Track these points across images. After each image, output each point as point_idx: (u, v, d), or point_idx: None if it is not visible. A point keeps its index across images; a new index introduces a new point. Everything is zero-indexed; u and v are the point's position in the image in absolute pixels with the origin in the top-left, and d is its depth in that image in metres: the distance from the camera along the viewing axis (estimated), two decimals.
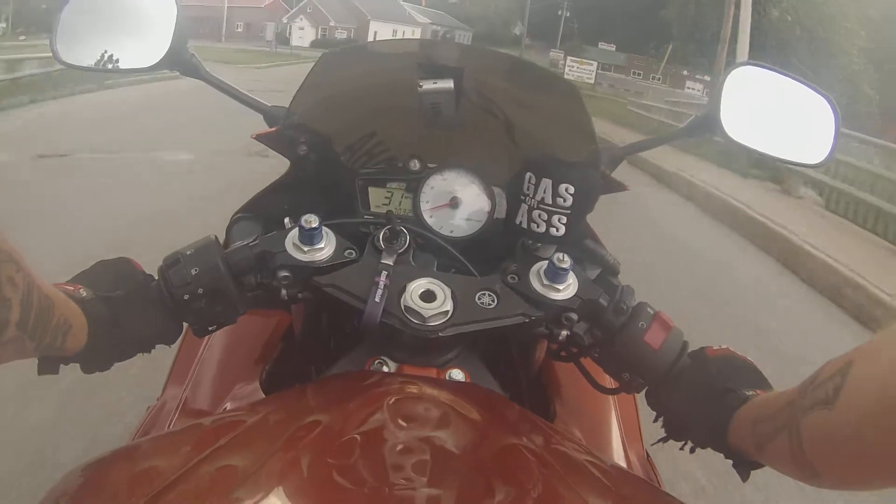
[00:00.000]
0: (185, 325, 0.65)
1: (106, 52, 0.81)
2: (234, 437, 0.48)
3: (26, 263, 0.45)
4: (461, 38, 52.88)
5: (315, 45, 47.27)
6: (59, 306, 0.50)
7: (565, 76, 23.28)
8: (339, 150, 0.83)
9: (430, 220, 0.80)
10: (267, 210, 0.82)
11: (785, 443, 0.45)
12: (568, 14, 45.61)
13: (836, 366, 0.41)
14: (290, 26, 50.01)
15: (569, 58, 31.08)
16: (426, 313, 0.60)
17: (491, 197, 0.80)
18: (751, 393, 0.57)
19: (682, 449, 0.65)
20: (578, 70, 29.43)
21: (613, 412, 0.82)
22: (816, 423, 0.41)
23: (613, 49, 37.94)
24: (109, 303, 0.58)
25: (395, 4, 54.32)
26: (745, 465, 0.58)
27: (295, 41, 47.88)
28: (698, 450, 0.63)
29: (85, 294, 0.56)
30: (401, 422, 0.50)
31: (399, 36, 47.21)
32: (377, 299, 0.60)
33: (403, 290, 0.62)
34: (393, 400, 0.53)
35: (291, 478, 0.42)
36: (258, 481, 0.41)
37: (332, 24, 51.22)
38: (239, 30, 50.34)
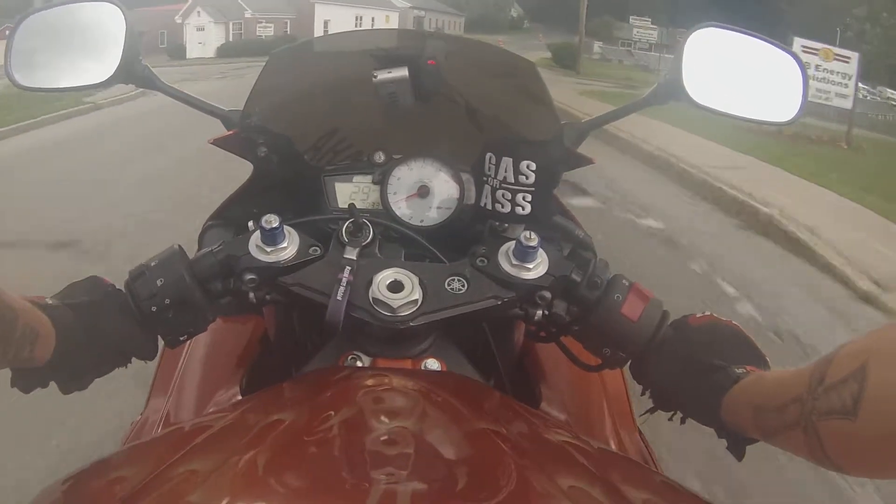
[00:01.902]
0: (159, 339, 0.64)
1: (60, 71, 0.81)
2: (203, 441, 0.48)
3: None
4: (451, 26, 44.86)
5: (223, 52, 30.50)
6: (22, 316, 0.50)
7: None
8: (302, 148, 0.83)
9: (399, 212, 0.79)
10: (237, 216, 0.81)
11: (800, 438, 0.44)
12: None
13: (846, 367, 0.40)
14: (185, 28, 32.64)
15: (799, 41, 9.71)
16: (395, 303, 0.59)
17: (459, 183, 0.79)
18: (741, 370, 0.56)
19: (670, 419, 0.64)
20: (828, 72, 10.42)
21: (601, 391, 0.81)
22: (838, 431, 0.41)
23: (649, 22, 30.77)
24: (75, 309, 0.58)
25: None
26: (739, 443, 0.57)
27: (193, 50, 31.62)
28: None
29: (50, 302, 0.56)
30: (373, 415, 0.50)
31: (367, 25, 34.01)
32: (339, 297, 0.59)
33: (370, 282, 0.61)
34: (364, 393, 0.52)
35: (257, 475, 0.41)
36: (217, 482, 0.40)
37: (248, 14, 34.01)
38: None
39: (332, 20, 34.56)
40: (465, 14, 46.10)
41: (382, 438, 0.46)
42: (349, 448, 0.45)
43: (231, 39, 33.83)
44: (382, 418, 0.49)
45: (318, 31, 31.49)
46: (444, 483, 0.42)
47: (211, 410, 0.74)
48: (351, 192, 0.82)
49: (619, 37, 36.43)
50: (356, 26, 33.11)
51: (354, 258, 0.62)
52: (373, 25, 33.78)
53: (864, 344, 0.40)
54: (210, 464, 0.43)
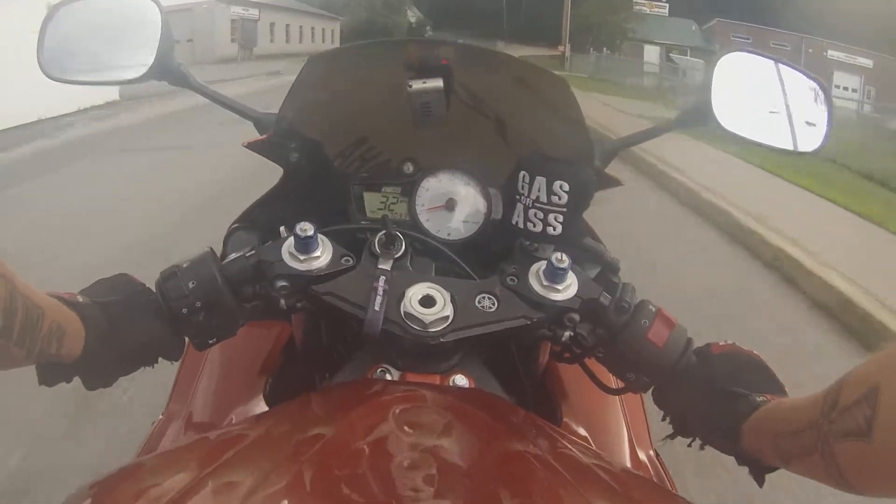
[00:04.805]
0: (186, 339, 0.65)
1: (92, 65, 0.81)
2: (238, 452, 0.48)
3: (10, 271, 0.46)
4: (318, 33, 31.49)
5: None
6: (49, 313, 0.50)
7: None
8: (332, 155, 0.83)
9: (426, 223, 0.79)
10: (263, 220, 0.81)
11: (819, 463, 0.45)
12: None
13: (858, 390, 0.41)
14: None
15: None
16: (426, 319, 0.60)
17: (487, 198, 0.79)
18: (761, 399, 0.57)
19: (689, 446, 0.65)
20: None
21: (621, 413, 0.82)
22: (854, 453, 0.41)
23: (666, 13, 20.69)
24: (105, 307, 0.58)
25: None
26: (760, 470, 0.58)
27: None
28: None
29: (81, 299, 0.57)
30: (406, 431, 0.50)
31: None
32: (377, 307, 0.60)
33: (402, 295, 0.61)
34: (397, 409, 0.53)
35: (295, 491, 0.42)
36: (262, 496, 0.40)
37: None
38: None
39: None
40: (341, 17, 33.75)
41: (418, 457, 0.46)
42: (392, 463, 0.46)
43: None
44: (417, 436, 0.50)
45: None
46: (477, 500, 0.43)
47: (235, 419, 0.75)
48: (379, 201, 0.83)
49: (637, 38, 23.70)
50: None
51: (388, 269, 0.63)
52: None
53: (874, 366, 0.42)
54: (252, 476, 0.43)
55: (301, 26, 28.69)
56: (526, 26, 32.06)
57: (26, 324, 0.47)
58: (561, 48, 25.98)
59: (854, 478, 0.43)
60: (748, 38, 25.25)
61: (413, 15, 37.28)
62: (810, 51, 22.87)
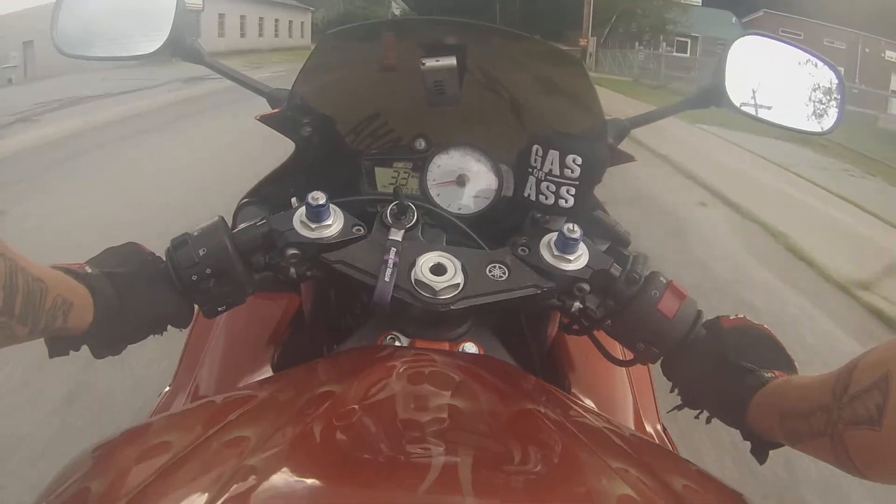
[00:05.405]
0: (195, 308, 0.64)
1: (106, 40, 0.81)
2: (245, 412, 0.48)
3: (11, 249, 0.45)
4: (286, 27, 28.77)
5: None
6: (54, 287, 0.50)
7: None
8: (344, 131, 0.83)
9: (437, 198, 0.79)
10: (273, 194, 0.81)
11: (827, 446, 0.45)
12: None
13: (870, 377, 0.41)
14: None
15: None
16: (437, 286, 0.60)
17: (498, 174, 0.79)
18: (770, 375, 0.57)
19: (696, 418, 0.64)
20: None
21: (628, 385, 0.82)
22: (863, 439, 0.42)
23: (699, 2, 18.77)
24: (114, 278, 0.58)
25: None
26: (763, 446, 0.58)
27: None
28: None
29: (89, 270, 0.56)
30: (415, 392, 0.50)
31: None
32: (387, 278, 0.60)
33: (413, 264, 0.61)
34: (406, 371, 0.53)
35: (303, 447, 0.42)
36: (269, 451, 0.40)
37: None
38: None
39: None
40: (313, 9, 30.59)
41: (427, 415, 0.46)
42: (402, 421, 0.45)
43: None
44: (426, 397, 0.50)
45: None
46: (489, 455, 0.43)
47: (243, 385, 0.75)
48: (390, 176, 0.83)
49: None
50: None
51: (399, 240, 0.63)
52: None
53: (886, 353, 0.41)
54: (259, 433, 0.43)
55: (262, 18, 24.15)
56: (524, 18, 30.45)
57: (28, 301, 0.47)
58: (583, 41, 21.87)
59: (863, 464, 0.43)
60: (799, 34, 20.48)
61: (397, 6, 34.57)
62: (867, 50, 20.68)
